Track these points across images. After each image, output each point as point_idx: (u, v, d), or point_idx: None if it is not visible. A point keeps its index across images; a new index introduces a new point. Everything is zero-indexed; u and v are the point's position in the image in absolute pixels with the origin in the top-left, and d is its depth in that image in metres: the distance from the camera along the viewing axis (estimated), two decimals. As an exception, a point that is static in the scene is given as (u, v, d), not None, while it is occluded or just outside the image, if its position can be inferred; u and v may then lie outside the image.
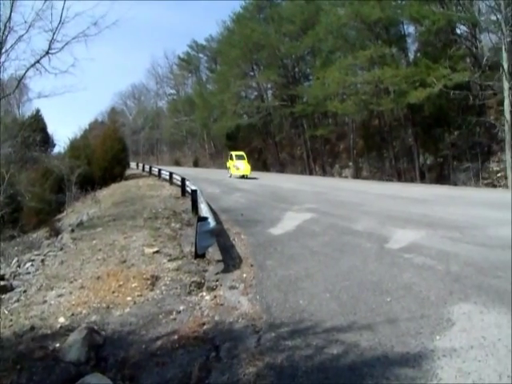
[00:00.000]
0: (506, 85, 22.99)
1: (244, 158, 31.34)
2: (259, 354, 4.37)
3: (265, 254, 8.38)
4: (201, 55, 65.91)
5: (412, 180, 30.10)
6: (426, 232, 9.07)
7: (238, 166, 30.03)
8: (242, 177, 29.18)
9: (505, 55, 22.88)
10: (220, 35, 54.53)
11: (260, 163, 46.93)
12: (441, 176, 29.93)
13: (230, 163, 32.07)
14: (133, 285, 6.80)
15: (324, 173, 38.78)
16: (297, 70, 43.75)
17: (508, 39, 22.71)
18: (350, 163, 36.93)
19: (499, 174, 26.29)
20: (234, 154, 32.16)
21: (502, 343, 4.11)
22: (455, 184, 27.05)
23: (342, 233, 9.66)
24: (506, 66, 22.93)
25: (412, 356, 4.03)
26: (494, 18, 24.12)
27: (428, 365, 3.86)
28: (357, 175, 35.28)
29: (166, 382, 4.14)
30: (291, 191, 19.78)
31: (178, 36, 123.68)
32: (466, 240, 8.27)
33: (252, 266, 7.64)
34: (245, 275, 7.10)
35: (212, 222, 8.82)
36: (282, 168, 43.91)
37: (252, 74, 46.82)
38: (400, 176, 31.98)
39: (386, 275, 6.37)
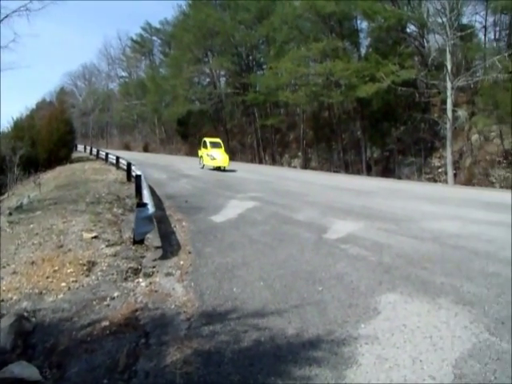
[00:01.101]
0: (449, 85, 23.96)
1: (221, 146, 26.74)
2: (188, 340, 4.38)
3: (204, 241, 8.37)
4: (154, 38, 64.85)
5: (359, 172, 30.85)
6: (364, 223, 9.33)
7: (214, 155, 25.25)
8: (218, 169, 25.00)
9: (449, 56, 23.85)
10: (175, 19, 53.85)
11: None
12: (386, 169, 30.85)
13: (202, 152, 27.39)
14: (68, 270, 6.63)
15: (274, 162, 39.09)
16: (250, 58, 43.74)
17: (451, 42, 23.60)
18: (300, 153, 37.40)
19: (440, 170, 27.44)
20: (208, 140, 27.31)
21: (419, 330, 4.32)
22: (399, 178, 27.99)
23: (283, 222, 9.79)
24: (449, 66, 23.89)
25: (336, 343, 4.15)
26: (440, 20, 24.92)
27: (350, 352, 3.99)
28: (306, 166, 35.79)
29: (93, 369, 4.07)
30: (238, 179, 19.83)
31: (132, 17, 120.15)
32: (401, 232, 8.58)
33: (190, 253, 7.62)
34: (182, 262, 7.07)
35: (151, 209, 8.70)
36: (232, 156, 43.70)
37: (206, 60, 46.29)
38: (347, 168, 32.71)
39: (321, 265, 6.52)
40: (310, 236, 8.36)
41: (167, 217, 10.89)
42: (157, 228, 9.27)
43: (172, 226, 9.93)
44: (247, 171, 24.85)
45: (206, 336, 4.44)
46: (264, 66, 42.44)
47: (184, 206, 12.34)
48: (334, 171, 32.42)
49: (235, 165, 32.21)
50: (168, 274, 6.54)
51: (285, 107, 40.82)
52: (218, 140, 28.21)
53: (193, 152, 50.28)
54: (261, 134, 41.19)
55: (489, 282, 5.60)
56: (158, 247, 8.19)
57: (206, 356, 4.05)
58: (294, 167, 36.29)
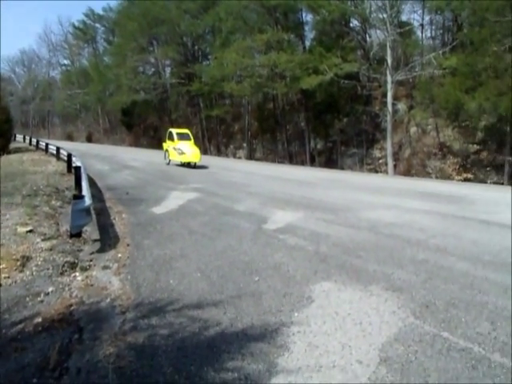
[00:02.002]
0: (389, 78, 24.73)
1: (190, 138, 23.15)
2: (122, 334, 4.30)
3: (144, 233, 8.24)
4: (98, 25, 62.92)
5: (303, 163, 31.33)
6: (303, 213, 9.50)
7: (183, 149, 21.74)
8: (188, 165, 21.87)
9: (389, 51, 24.63)
10: (119, 6, 52.47)
11: (155, 141, 46.02)
12: (330, 160, 31.52)
13: (167, 145, 23.77)
14: (0, 266, 6.34)
15: (219, 153, 39.01)
16: (196, 48, 43.25)
17: (392, 38, 24.37)
18: (245, 144, 37.49)
19: (381, 161, 28.36)
20: (174, 131, 23.66)
21: (350, 317, 4.45)
22: (342, 168, 28.68)
23: (224, 213, 9.80)
24: (389, 61, 24.66)
25: (269, 332, 4.20)
26: (381, 16, 25.62)
27: (282, 340, 4.05)
28: (250, 156, 35.95)
29: (22, 367, 3.91)
30: (182, 170, 19.65)
31: (73, 2, 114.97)
32: (339, 222, 8.80)
33: (128, 245, 7.47)
34: (120, 255, 6.93)
35: (88, 201, 8.46)
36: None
37: (151, 49, 45.33)
38: (292, 159, 33.12)
39: (259, 255, 6.58)
40: (249, 226, 8.41)
41: (107, 209, 10.66)
42: (96, 220, 9.05)
43: (111, 218, 9.70)
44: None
45: (141, 329, 4.37)
46: (209, 57, 42.08)
47: (125, 198, 12.11)
48: (279, 162, 32.77)
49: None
50: (105, 268, 6.39)
51: (230, 98, 40.69)
52: (186, 131, 24.61)
53: (137, 142, 49.49)
54: (206, 125, 40.95)
55: (418, 269, 5.86)
56: (96, 240, 7.98)
57: (139, 349, 3.99)
58: (239, 158, 36.37)
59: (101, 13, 60.19)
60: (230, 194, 12.59)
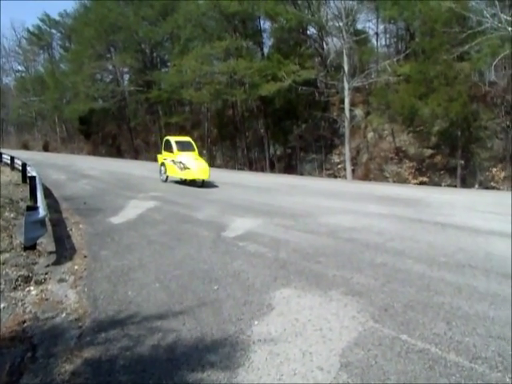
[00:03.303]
0: (346, 85, 25.23)
1: (193, 149, 18.23)
2: (78, 350, 4.14)
3: (101, 244, 8.02)
4: (54, 31, 61.14)
5: (263, 169, 31.45)
6: (263, 220, 9.49)
7: (186, 162, 16.78)
8: (192, 183, 17.02)
9: (345, 59, 25.18)
10: (75, 12, 51.29)
11: (114, 149, 45.24)
12: (289, 166, 31.76)
13: (164, 156, 18.79)
14: None
15: (179, 160, 38.62)
16: (155, 55, 42.88)
17: (348, 45, 24.92)
18: (204, 151, 37.27)
19: (339, 166, 28.83)
20: (173, 140, 18.50)
21: (310, 323, 4.43)
22: (301, 174, 28.96)
23: (183, 221, 9.68)
24: (346, 68, 25.19)
25: (229, 342, 4.13)
26: (337, 24, 26.13)
27: (243, 350, 3.98)
28: (210, 163, 35.74)
29: (-31, 391, 3.71)
30: (141, 179, 19.41)
31: (27, 6, 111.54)
32: (298, 228, 8.83)
33: (86, 256, 7.25)
34: (76, 267, 6.71)
35: (43, 212, 8.16)
36: (136, 155, 42.79)
37: (108, 56, 44.54)
38: (252, 165, 33.20)
39: (218, 263, 6.49)
40: (208, 235, 8.32)
41: (64, 219, 10.33)
42: (51, 232, 8.76)
43: (68, 229, 9.40)
44: (150, 170, 24.24)
45: (98, 344, 4.22)
46: (168, 64, 41.67)
47: (82, 208, 11.79)
48: (239, 168, 32.78)
49: (139, 164, 31.48)
50: (61, 280, 6.17)
51: (189, 105, 40.44)
52: (187, 139, 19.54)
53: (96, 151, 48.47)
54: (165, 132, 40.47)
55: (376, 273, 5.92)
56: (51, 252, 7.70)
57: (96, 365, 3.85)
58: (200, 165, 36.10)
59: (57, 18, 58.60)
60: (189, 202, 12.47)
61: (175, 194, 14.16)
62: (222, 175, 22.72)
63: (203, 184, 16.61)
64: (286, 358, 3.81)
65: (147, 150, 43.38)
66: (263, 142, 32.89)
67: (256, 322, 4.51)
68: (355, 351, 3.87)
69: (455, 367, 3.57)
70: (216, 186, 16.50)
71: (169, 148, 18.24)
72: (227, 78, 30.82)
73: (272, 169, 31.21)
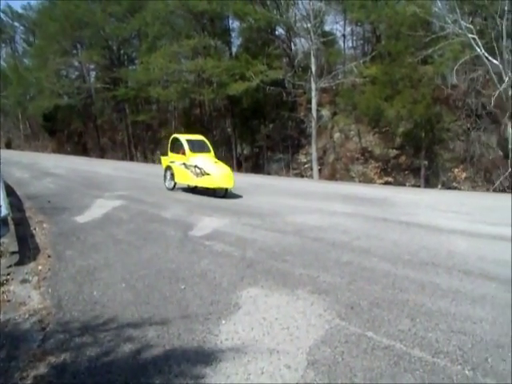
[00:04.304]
0: (313, 86, 25.46)
1: (209, 150, 14.59)
2: (42, 354, 4.02)
3: (66, 243, 7.83)
4: (16, 24, 59.10)
5: (230, 168, 31.30)
6: (230, 219, 9.47)
7: (205, 167, 13.30)
8: (210, 192, 13.57)
9: (313, 60, 25.41)
10: (40, 5, 49.50)
11: (80, 147, 44.31)
12: (256, 165, 31.83)
13: (171, 159, 15.15)
14: None
15: (145, 159, 38.22)
16: (122, 52, 42.04)
17: (315, 46, 25.16)
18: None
19: (306, 166, 29.09)
20: (183, 139, 14.71)
21: (278, 322, 4.44)
22: (269, 173, 29.05)
23: (150, 220, 9.56)
24: (314, 69, 25.42)
25: (197, 342, 4.09)
26: (305, 26, 26.33)
27: (210, 349, 3.95)
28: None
29: None
30: (106, 177, 19.04)
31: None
32: (265, 227, 8.85)
33: (50, 256, 7.08)
34: (40, 267, 6.54)
35: (4, 211, 7.90)
36: (102, 153, 42.04)
37: (74, 52, 43.51)
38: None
39: (185, 263, 6.44)
40: (175, 234, 8.25)
41: (27, 219, 10.06)
42: (14, 231, 8.46)
43: (32, 228, 9.16)
44: (116, 169, 23.92)
45: (62, 346, 4.11)
46: (136, 61, 40.98)
47: (46, 207, 11.50)
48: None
49: (106, 162, 30.94)
50: (24, 281, 6.01)
51: (157, 103, 39.95)
52: (201, 137, 15.51)
53: (61, 149, 47.36)
54: (132, 131, 40.00)
55: (342, 271, 5.98)
56: (14, 252, 7.47)
57: (60, 368, 3.75)
58: (167, 164, 35.78)
59: (20, 11, 56.77)
60: (156, 200, 12.33)
61: (143, 192, 14.00)
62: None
63: (226, 194, 13.29)
64: (253, 357, 3.80)
65: (113, 148, 42.75)
66: (231, 142, 32.86)
67: (223, 322, 4.49)
68: (322, 349, 3.90)
69: (419, 362, 3.65)
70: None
71: (177, 149, 14.66)
72: (195, 77, 30.66)
73: (239, 168, 31.18)
